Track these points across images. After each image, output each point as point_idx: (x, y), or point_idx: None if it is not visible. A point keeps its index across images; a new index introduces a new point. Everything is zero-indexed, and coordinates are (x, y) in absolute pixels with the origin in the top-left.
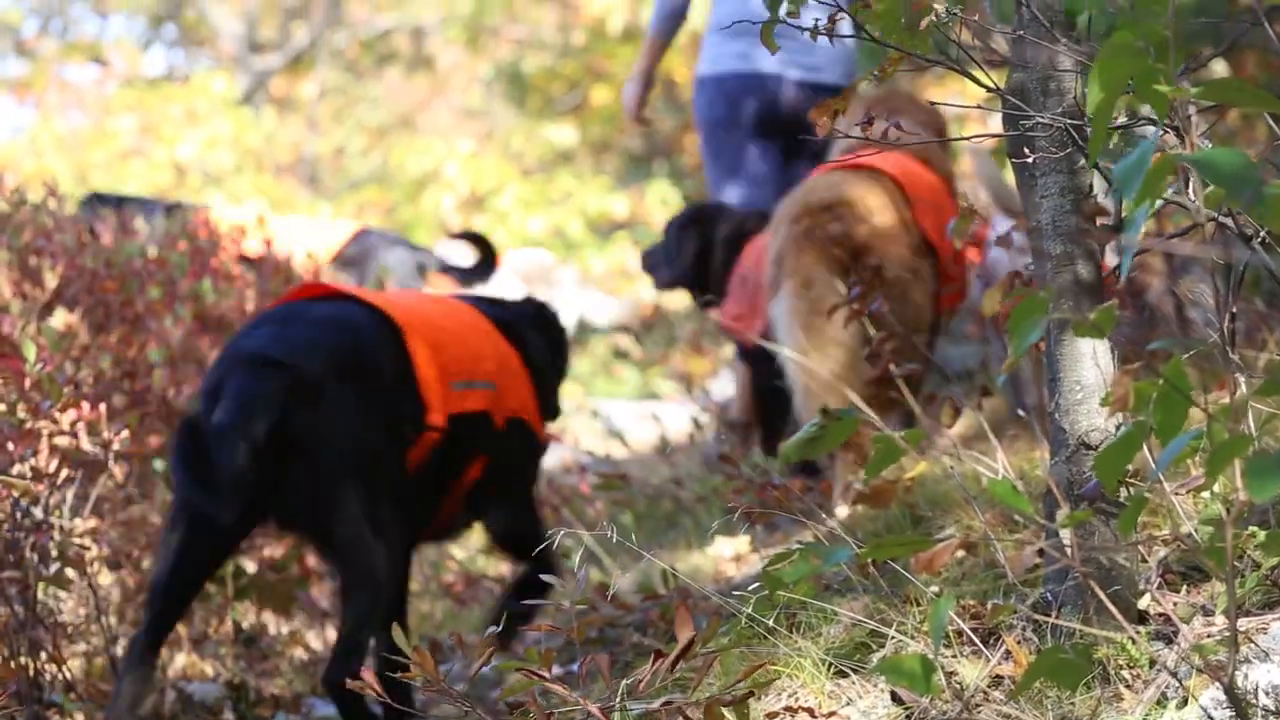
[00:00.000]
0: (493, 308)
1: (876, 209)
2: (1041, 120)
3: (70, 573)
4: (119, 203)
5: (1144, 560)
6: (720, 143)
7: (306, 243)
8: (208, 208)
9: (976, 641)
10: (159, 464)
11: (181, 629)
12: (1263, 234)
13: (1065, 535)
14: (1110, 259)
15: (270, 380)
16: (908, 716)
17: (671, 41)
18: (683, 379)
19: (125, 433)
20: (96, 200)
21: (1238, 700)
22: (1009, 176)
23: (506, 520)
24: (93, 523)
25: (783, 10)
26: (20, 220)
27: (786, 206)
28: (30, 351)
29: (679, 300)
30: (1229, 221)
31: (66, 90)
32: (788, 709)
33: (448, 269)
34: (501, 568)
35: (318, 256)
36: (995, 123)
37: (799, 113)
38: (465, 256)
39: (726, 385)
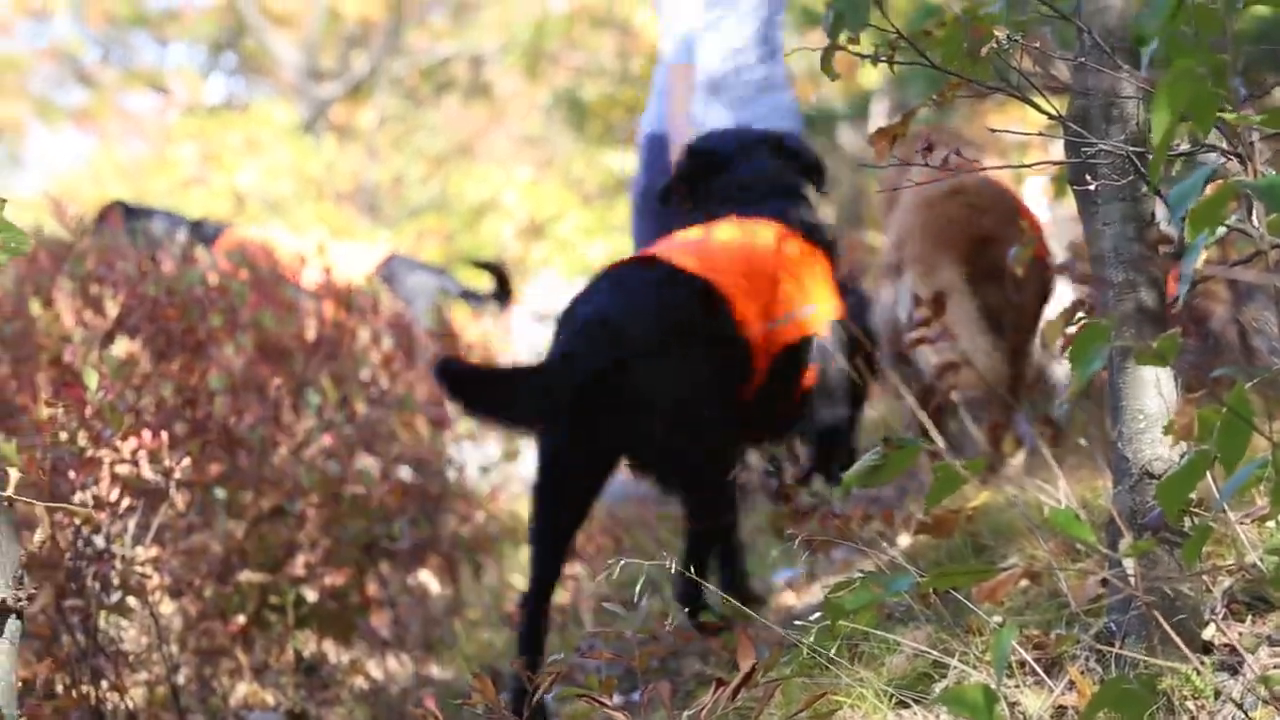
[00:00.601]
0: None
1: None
2: (1103, 148)
3: (132, 601)
4: (138, 214)
5: (1208, 590)
6: (634, 201)
7: (343, 267)
8: (233, 225)
9: (1039, 672)
10: (220, 492)
11: (242, 657)
12: None
13: (1129, 565)
14: (1174, 286)
15: (599, 337)
16: None
17: None
18: None
19: (186, 461)
20: (125, 211)
21: None
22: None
23: (826, 419)
24: (154, 551)
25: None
26: (82, 249)
27: (911, 194)
28: (92, 380)
29: None
30: None
31: (127, 119)
32: None
33: (466, 295)
34: (562, 596)
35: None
36: (1057, 150)
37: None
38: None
39: None
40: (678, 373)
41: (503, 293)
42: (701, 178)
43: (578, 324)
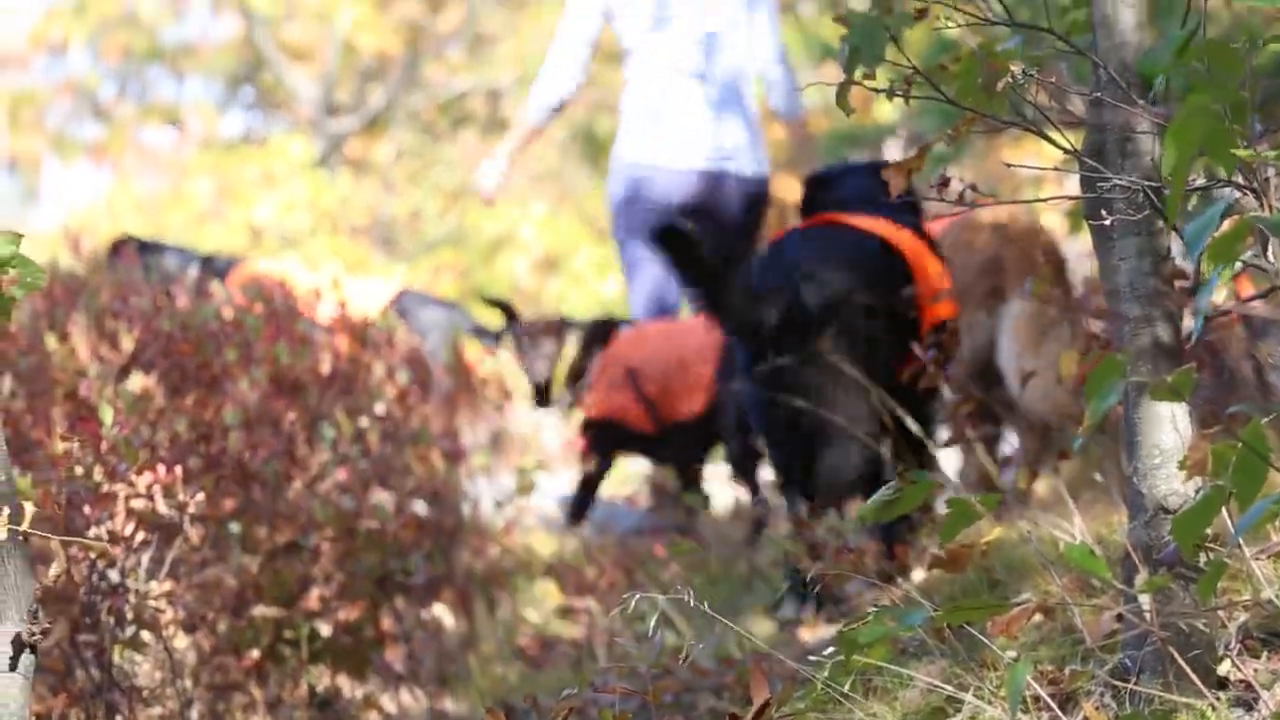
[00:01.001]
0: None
1: None
2: (1119, 182)
3: (146, 636)
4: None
5: (1224, 626)
6: (624, 234)
7: (356, 302)
8: (245, 260)
9: (1054, 707)
10: (234, 526)
11: (256, 691)
12: None
13: (1144, 600)
14: (1189, 322)
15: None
16: None
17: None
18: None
19: (201, 495)
20: (138, 247)
21: None
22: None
23: None
24: (168, 586)
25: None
26: (97, 283)
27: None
28: (107, 414)
29: None
30: None
31: (144, 153)
32: None
33: (478, 331)
34: (575, 631)
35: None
36: (1072, 184)
37: (698, 202)
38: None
39: None
40: (869, 316)
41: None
42: (810, 196)
43: (787, 262)
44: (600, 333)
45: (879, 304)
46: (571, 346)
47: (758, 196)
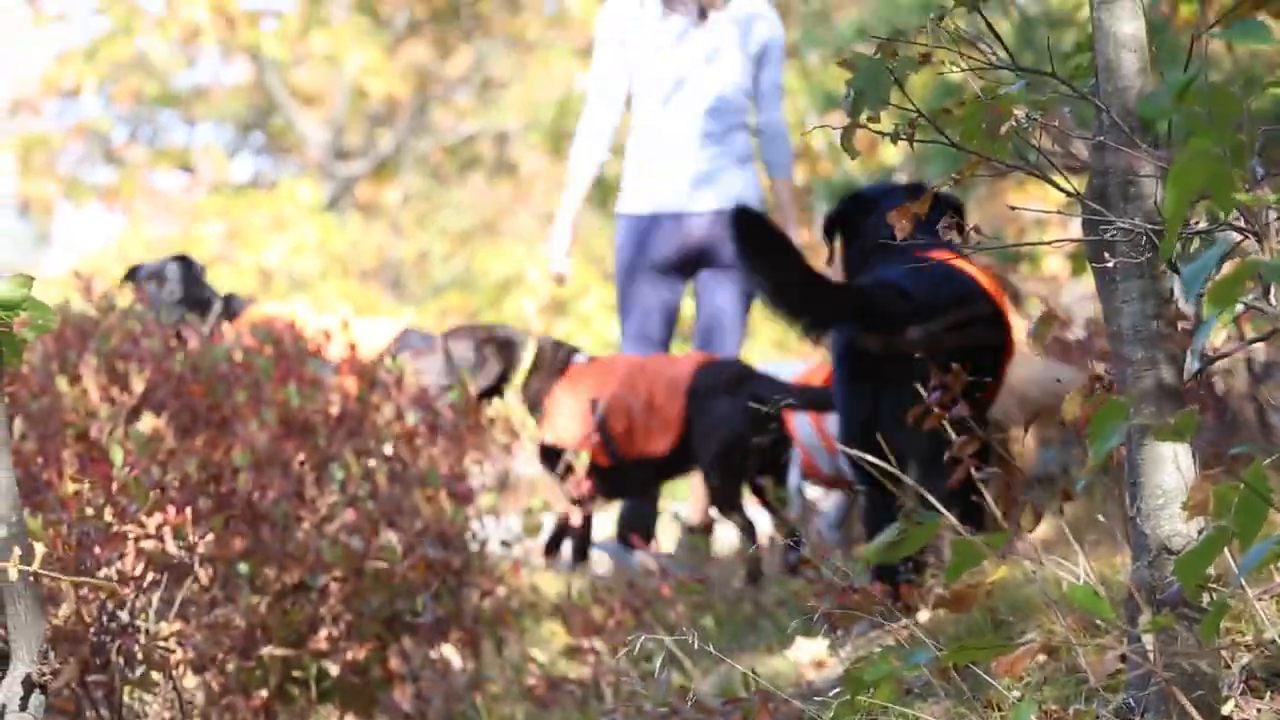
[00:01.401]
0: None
1: None
2: (1122, 225)
3: (156, 676)
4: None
5: (1227, 666)
6: (625, 276)
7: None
8: (255, 301)
9: None
10: (243, 567)
11: None
12: None
13: (1147, 640)
14: (1192, 364)
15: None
16: None
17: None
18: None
19: (210, 536)
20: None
21: None
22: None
23: None
24: (178, 626)
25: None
26: (108, 326)
27: None
28: (117, 455)
29: None
30: None
31: (155, 197)
32: None
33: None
34: (583, 671)
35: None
36: (1075, 227)
37: (695, 244)
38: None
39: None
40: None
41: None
42: (850, 220)
43: (881, 282)
44: (556, 358)
45: (992, 341)
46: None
47: None
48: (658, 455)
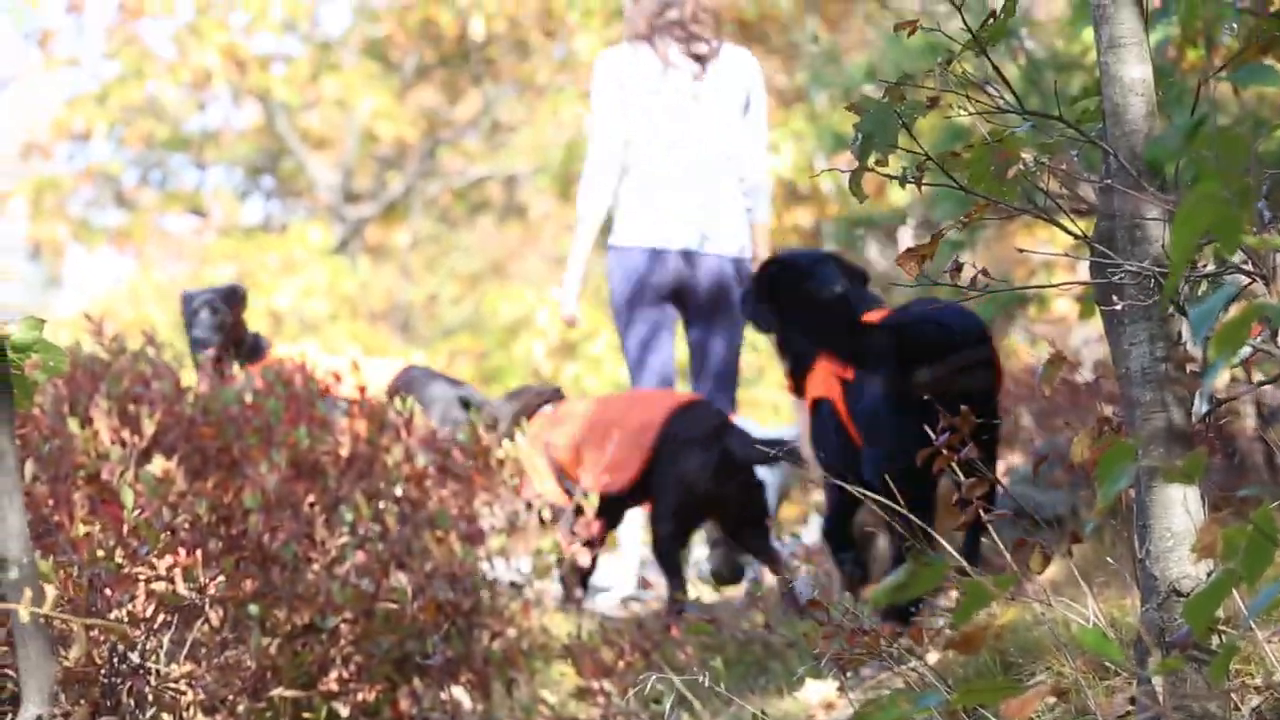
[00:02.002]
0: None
1: None
2: (1129, 268)
3: (166, 718)
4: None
5: (1236, 708)
6: (622, 306)
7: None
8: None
9: None
10: (254, 608)
11: None
12: None
13: (1157, 682)
14: (1199, 405)
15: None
16: None
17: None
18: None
19: (221, 578)
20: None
21: None
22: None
23: None
24: (188, 667)
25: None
26: (119, 368)
27: None
28: (128, 498)
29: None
30: None
31: (165, 240)
32: None
33: (483, 405)
34: (593, 712)
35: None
36: (1083, 270)
37: (690, 281)
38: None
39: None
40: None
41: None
42: (784, 286)
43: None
44: (546, 398)
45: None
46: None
47: (739, 273)
48: (612, 491)
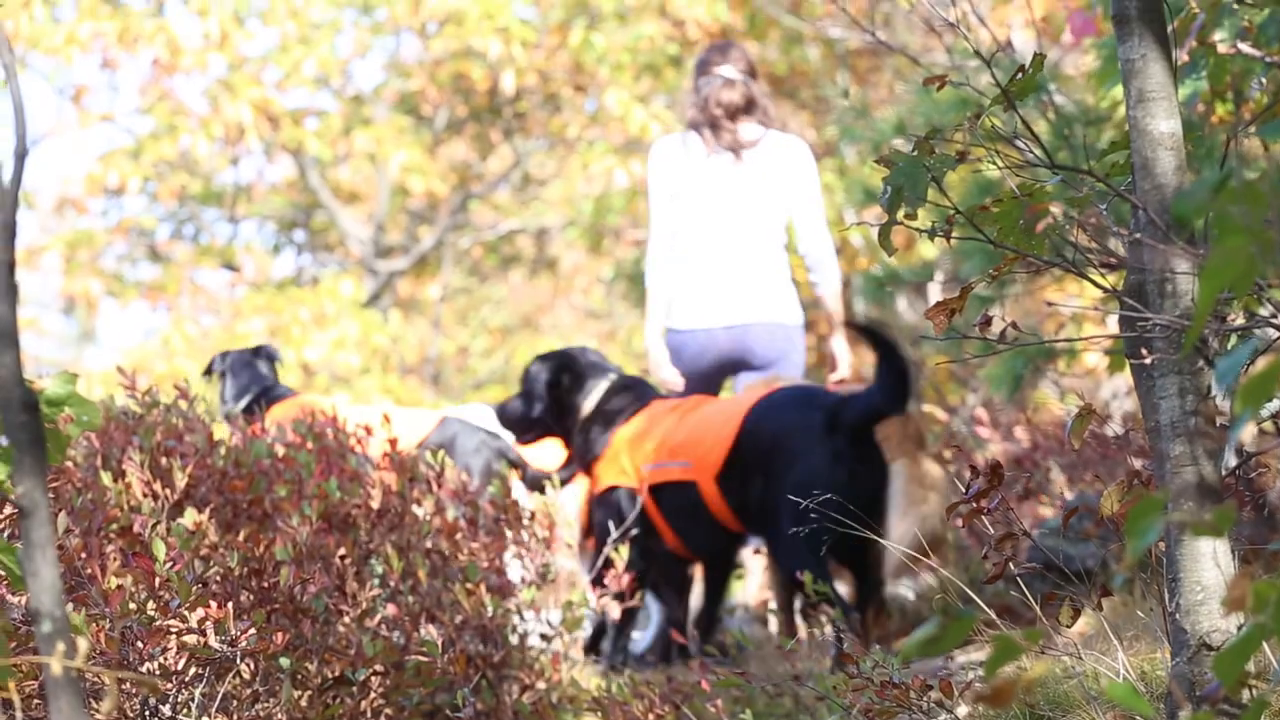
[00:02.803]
0: None
1: None
2: (1159, 321)
3: None
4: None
5: None
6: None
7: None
8: (296, 393)
9: None
10: (285, 661)
11: None
12: None
13: None
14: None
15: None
16: None
17: None
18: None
19: (252, 630)
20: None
21: None
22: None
23: None
24: None
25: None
26: (152, 421)
27: None
28: (160, 551)
29: None
30: None
31: (198, 294)
32: None
33: (521, 466)
34: None
35: (409, 444)
36: (1113, 323)
37: (745, 353)
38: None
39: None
40: None
41: (568, 468)
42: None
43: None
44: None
45: None
46: None
47: (791, 337)
48: None
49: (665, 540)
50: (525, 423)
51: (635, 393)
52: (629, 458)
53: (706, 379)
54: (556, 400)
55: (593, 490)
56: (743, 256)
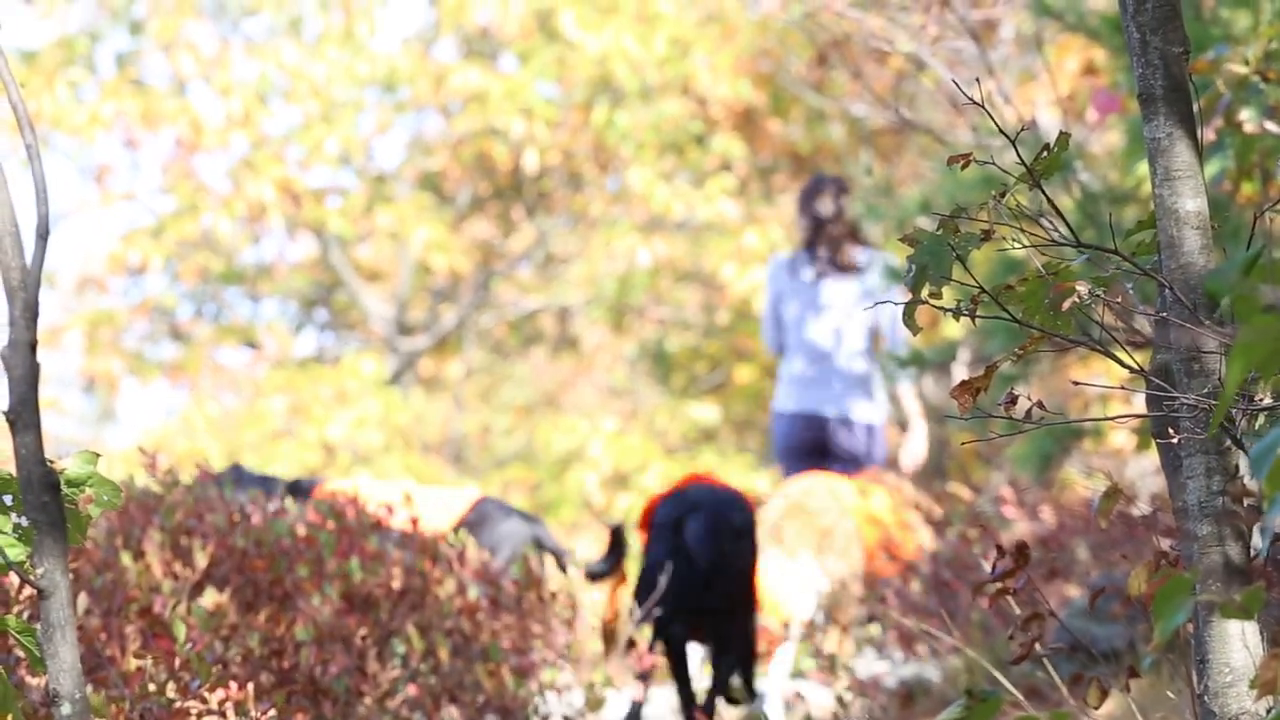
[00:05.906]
0: None
1: None
2: (1186, 401)
3: None
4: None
5: None
6: (781, 453)
7: (432, 512)
8: (323, 481)
9: None
10: None
11: None
12: None
13: None
14: (1258, 540)
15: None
16: None
17: None
18: (829, 658)
19: (273, 711)
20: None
21: None
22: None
23: None
24: None
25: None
26: (173, 501)
27: None
28: (180, 631)
29: None
30: None
31: (219, 373)
32: None
33: (555, 552)
34: None
35: (441, 525)
36: (1139, 403)
37: (830, 443)
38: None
39: (872, 663)
40: None
41: (613, 556)
42: None
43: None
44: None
45: None
46: None
47: (870, 437)
48: None
49: None
50: None
51: None
52: None
53: (797, 456)
54: None
55: None
56: (828, 359)
